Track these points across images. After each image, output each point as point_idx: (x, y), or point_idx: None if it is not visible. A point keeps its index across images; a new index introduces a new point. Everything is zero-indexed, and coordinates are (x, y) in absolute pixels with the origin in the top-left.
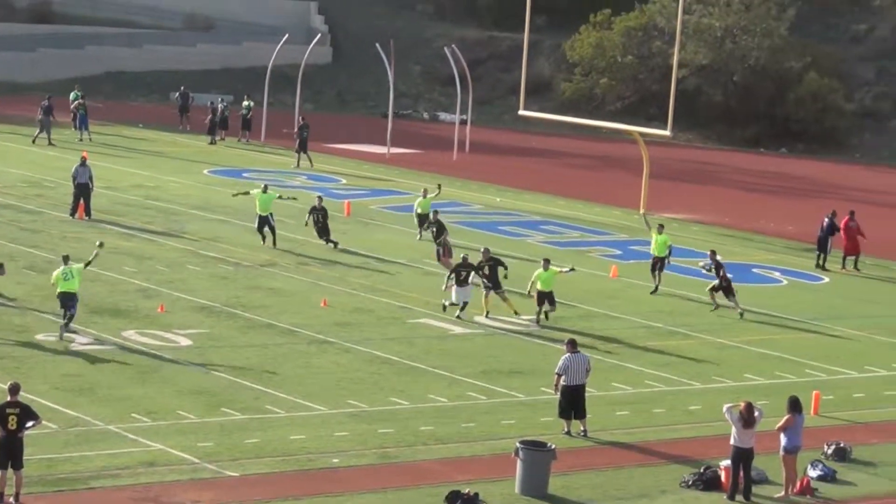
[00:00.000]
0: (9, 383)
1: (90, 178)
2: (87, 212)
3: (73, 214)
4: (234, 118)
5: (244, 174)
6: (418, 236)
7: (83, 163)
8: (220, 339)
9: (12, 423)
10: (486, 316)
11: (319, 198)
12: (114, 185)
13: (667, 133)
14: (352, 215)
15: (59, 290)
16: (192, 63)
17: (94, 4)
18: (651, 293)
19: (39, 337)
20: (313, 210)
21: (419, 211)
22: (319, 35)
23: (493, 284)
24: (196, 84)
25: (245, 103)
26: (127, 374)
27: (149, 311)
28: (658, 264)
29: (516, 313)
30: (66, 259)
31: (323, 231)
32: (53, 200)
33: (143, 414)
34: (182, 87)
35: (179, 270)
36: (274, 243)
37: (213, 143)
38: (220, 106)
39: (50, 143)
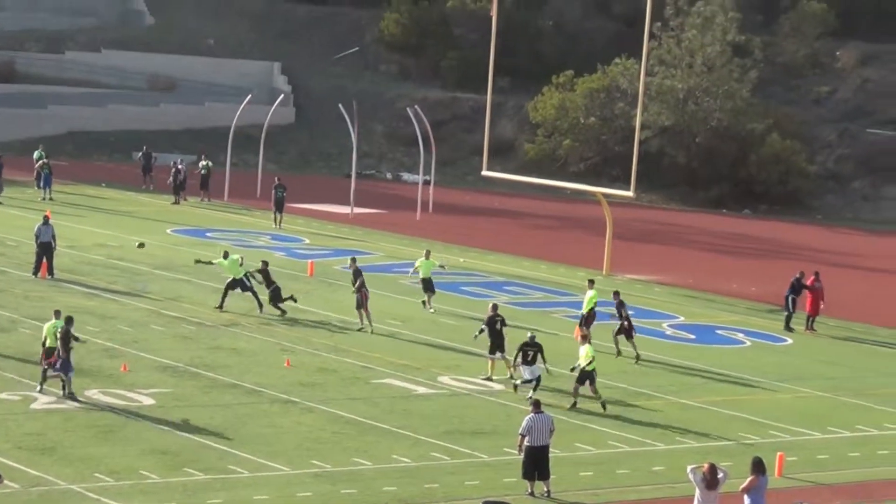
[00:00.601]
0: None
1: (53, 236)
2: (50, 271)
3: (35, 273)
4: (193, 177)
5: (208, 234)
6: (430, 308)
7: (46, 221)
8: (183, 399)
9: None
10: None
11: (264, 262)
12: (77, 245)
13: (630, 194)
14: (315, 275)
15: (47, 346)
16: (155, 123)
17: (58, 65)
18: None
19: (2, 395)
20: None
21: (421, 274)
22: (282, 95)
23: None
24: (159, 144)
25: (202, 163)
26: (90, 434)
27: (112, 371)
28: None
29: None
30: (57, 313)
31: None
32: (16, 259)
33: (106, 473)
34: (145, 147)
35: (143, 330)
36: (259, 305)
37: (176, 202)
38: (181, 166)
39: None
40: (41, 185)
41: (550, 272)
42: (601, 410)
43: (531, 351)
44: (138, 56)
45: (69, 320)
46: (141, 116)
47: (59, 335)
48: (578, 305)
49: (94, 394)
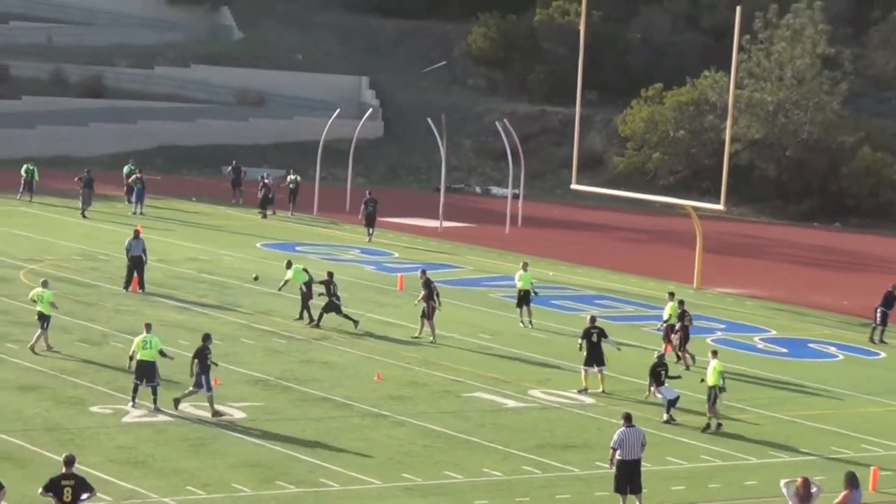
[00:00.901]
0: (64, 455)
1: (143, 250)
2: (141, 285)
3: (126, 287)
4: (281, 191)
5: (297, 248)
6: (529, 323)
7: (136, 236)
8: (274, 413)
9: (67, 496)
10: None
11: (330, 273)
12: (167, 259)
13: (720, 207)
14: (405, 289)
15: (138, 358)
16: (244, 137)
17: (146, 80)
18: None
19: (94, 409)
20: (322, 282)
21: (519, 286)
22: (371, 109)
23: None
24: (248, 158)
25: (291, 177)
26: (182, 447)
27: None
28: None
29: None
30: (148, 327)
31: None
32: (108, 273)
33: (198, 486)
34: (234, 162)
35: (233, 344)
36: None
37: (263, 216)
38: (268, 181)
39: (83, 216)
40: (132, 199)
41: (640, 286)
42: (696, 425)
43: (662, 371)
44: (227, 71)
45: (207, 338)
46: (230, 131)
47: (195, 355)
48: None
49: (185, 407)
